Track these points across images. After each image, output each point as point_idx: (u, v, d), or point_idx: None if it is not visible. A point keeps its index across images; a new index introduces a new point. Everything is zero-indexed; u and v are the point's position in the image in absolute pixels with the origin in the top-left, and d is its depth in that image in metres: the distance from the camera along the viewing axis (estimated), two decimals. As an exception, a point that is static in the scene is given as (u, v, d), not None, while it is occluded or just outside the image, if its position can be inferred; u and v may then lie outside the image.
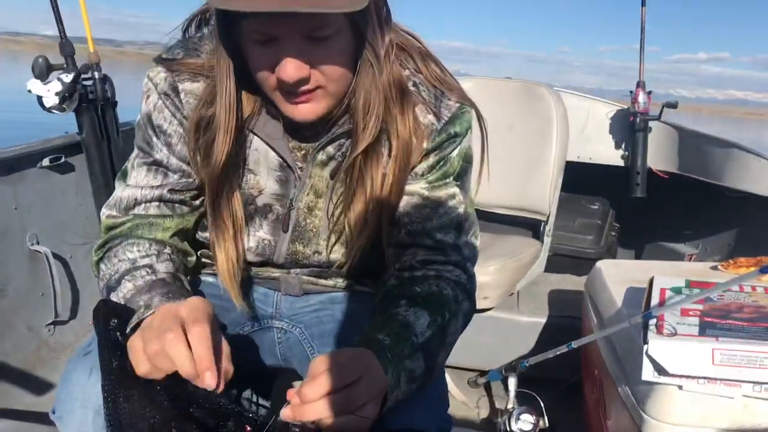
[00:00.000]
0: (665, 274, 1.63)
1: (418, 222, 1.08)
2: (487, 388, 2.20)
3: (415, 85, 1.06)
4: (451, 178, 1.09)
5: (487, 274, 2.10)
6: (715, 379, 1.09)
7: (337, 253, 1.13)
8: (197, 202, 1.11)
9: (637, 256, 2.97)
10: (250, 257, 1.16)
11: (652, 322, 1.18)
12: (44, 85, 1.90)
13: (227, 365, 0.86)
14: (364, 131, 1.01)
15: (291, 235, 1.12)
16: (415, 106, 1.05)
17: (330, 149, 1.06)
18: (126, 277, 0.99)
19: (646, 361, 1.12)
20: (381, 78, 0.99)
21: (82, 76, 2.00)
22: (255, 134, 1.06)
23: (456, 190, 1.09)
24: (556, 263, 2.60)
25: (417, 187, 1.08)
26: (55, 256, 1.93)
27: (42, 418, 1.80)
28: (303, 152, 1.08)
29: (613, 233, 2.79)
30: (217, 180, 1.03)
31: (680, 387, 1.12)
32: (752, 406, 1.10)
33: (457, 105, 1.07)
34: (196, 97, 1.04)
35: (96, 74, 2.07)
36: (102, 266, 1.05)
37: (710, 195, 2.53)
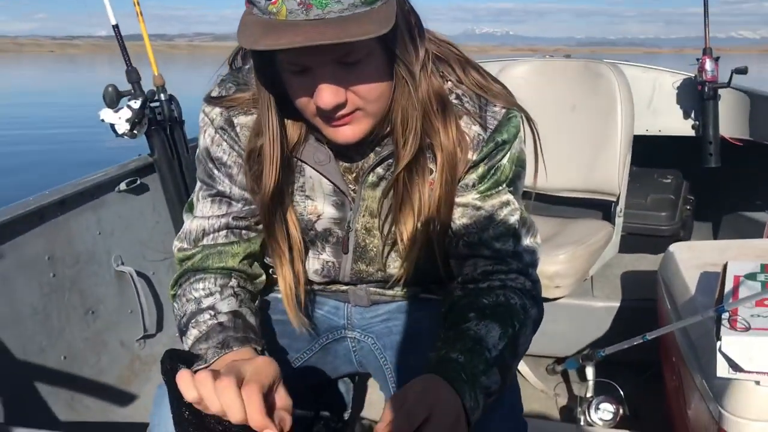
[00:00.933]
0: (740, 255, 1.60)
1: (474, 233, 1.08)
2: (565, 375, 2.20)
3: (458, 97, 1.06)
4: (504, 185, 1.09)
5: (558, 263, 2.10)
6: None
7: (395, 268, 1.16)
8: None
9: (714, 229, 2.88)
10: (317, 278, 1.21)
11: (725, 315, 1.16)
12: (115, 113, 2.00)
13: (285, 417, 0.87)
14: (404, 148, 1.02)
15: (353, 255, 1.16)
16: (460, 118, 1.05)
17: (379, 170, 1.09)
18: (191, 322, 1.05)
19: (719, 357, 1.11)
20: (418, 93, 1.00)
21: (149, 100, 2.08)
22: (304, 162, 1.09)
23: (509, 197, 1.09)
24: (630, 243, 2.56)
25: (469, 198, 1.08)
26: (139, 274, 2.04)
27: (140, 428, 1.91)
28: (354, 174, 1.10)
29: (688, 207, 2.71)
30: (269, 209, 1.07)
31: (757, 383, 1.10)
32: (835, 399, 1.07)
33: (504, 111, 1.06)
34: (251, 129, 1.07)
35: (162, 96, 2.16)
36: (175, 305, 1.11)
37: None
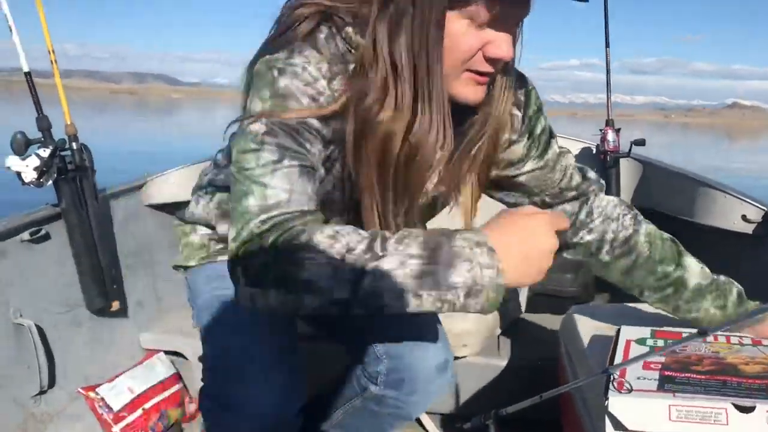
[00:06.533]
0: (634, 319, 1.68)
1: (552, 186, 1.39)
2: (472, 433, 2.22)
3: None
4: (550, 139, 1.37)
5: (466, 322, 2.14)
6: None
7: None
8: None
9: (614, 293, 3.01)
10: None
11: (613, 377, 1.22)
12: (22, 161, 1.94)
13: None
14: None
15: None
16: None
17: None
18: (383, 244, 0.98)
19: (607, 417, 1.16)
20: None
21: (59, 149, 2.04)
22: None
23: (555, 145, 1.39)
24: (536, 303, 2.64)
25: (530, 165, 1.36)
26: (39, 327, 1.96)
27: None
28: None
29: (591, 270, 2.83)
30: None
31: (642, 442, 1.15)
32: (712, 459, 1.13)
33: (524, 85, 1.29)
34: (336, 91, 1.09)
35: (74, 145, 2.12)
36: (318, 246, 0.97)
37: (683, 228, 2.58)
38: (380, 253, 0.96)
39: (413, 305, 0.96)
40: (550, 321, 2.46)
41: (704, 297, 1.43)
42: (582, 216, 1.44)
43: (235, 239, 1.03)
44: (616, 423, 1.15)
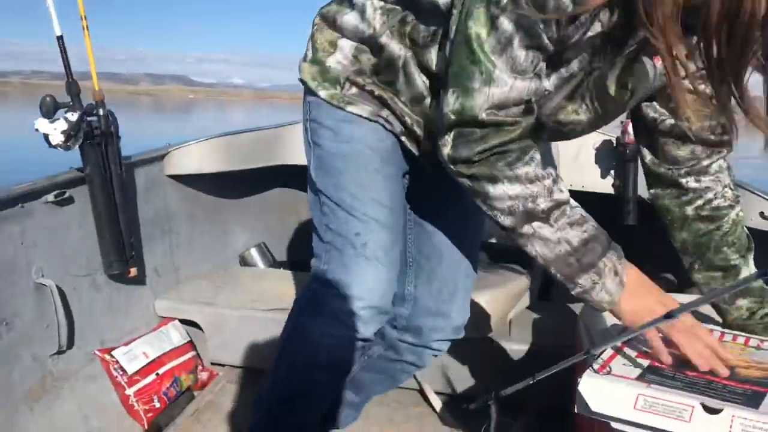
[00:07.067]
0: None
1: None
2: (476, 415, 2.24)
3: None
4: None
5: (479, 305, 2.16)
6: (633, 423, 1.09)
7: None
8: None
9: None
10: None
11: (606, 355, 1.21)
12: (51, 124, 1.97)
13: None
14: None
15: None
16: None
17: None
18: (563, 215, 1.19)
19: (578, 395, 1.14)
20: None
21: (87, 114, 2.07)
22: None
23: None
24: (551, 290, 2.65)
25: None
26: (60, 288, 2.00)
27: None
28: None
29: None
30: None
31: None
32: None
33: None
34: None
35: (101, 111, 2.15)
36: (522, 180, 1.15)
37: None
38: (551, 222, 1.16)
39: (543, 264, 1.21)
40: (565, 308, 2.48)
41: (745, 296, 1.41)
42: (704, 164, 1.42)
43: (457, 113, 1.11)
44: (582, 403, 1.13)
